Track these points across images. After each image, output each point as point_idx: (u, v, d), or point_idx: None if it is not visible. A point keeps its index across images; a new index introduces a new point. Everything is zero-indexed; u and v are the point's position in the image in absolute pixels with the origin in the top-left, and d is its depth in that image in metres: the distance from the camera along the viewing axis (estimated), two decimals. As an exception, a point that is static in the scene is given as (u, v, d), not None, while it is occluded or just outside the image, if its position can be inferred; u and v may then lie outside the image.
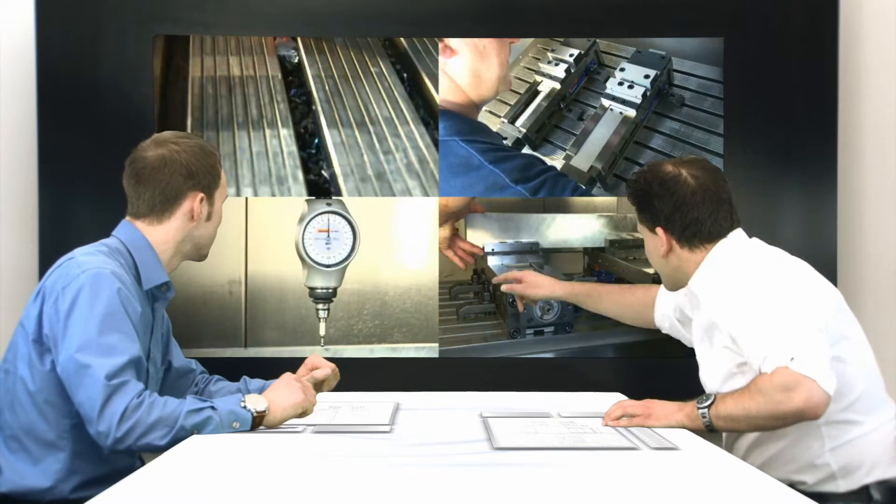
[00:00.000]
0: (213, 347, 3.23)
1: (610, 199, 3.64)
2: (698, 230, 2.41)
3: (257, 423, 2.25)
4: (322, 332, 3.30)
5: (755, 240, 2.47)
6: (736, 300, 2.31)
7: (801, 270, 2.40)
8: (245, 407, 2.24)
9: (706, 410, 2.26)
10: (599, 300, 2.96)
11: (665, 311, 2.79)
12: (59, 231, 3.43)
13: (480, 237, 3.65)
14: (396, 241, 3.38)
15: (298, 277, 3.32)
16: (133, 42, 3.47)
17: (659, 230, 2.44)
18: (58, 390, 2.26)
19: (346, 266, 3.29)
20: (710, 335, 2.44)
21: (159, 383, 2.51)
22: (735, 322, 2.30)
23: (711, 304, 2.39)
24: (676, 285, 2.54)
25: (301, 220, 3.38)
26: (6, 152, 3.60)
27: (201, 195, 2.43)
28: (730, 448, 2.47)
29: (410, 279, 3.33)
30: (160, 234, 2.42)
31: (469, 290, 3.70)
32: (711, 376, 2.46)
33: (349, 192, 3.31)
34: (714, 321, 2.39)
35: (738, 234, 2.45)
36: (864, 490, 2.33)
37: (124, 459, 2.34)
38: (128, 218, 2.45)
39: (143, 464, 2.30)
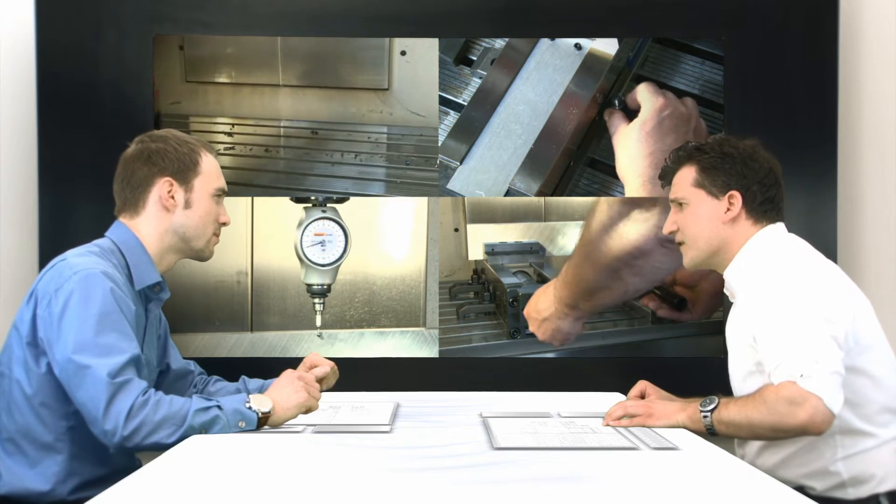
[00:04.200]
0: (223, 332, 3.59)
1: (610, 200, 3.63)
2: (772, 207, 2.44)
3: (262, 423, 2.25)
4: (318, 323, 3.62)
5: (793, 236, 2.45)
6: (761, 301, 2.30)
7: (832, 277, 2.35)
8: (250, 408, 2.23)
9: (709, 414, 2.25)
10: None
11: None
12: (59, 231, 3.43)
13: (480, 235, 3.67)
14: (384, 237, 3.69)
15: (298, 270, 3.63)
16: (133, 42, 3.48)
17: (735, 195, 2.41)
18: (54, 393, 2.25)
19: (339, 265, 3.61)
20: (740, 330, 2.42)
21: (153, 384, 2.49)
22: (757, 322, 2.29)
23: (744, 300, 2.38)
24: (704, 263, 2.48)
25: (299, 225, 3.61)
26: (6, 152, 3.60)
27: (168, 180, 2.40)
28: (741, 447, 2.46)
29: (396, 271, 3.65)
30: (142, 228, 2.40)
31: (469, 290, 3.70)
32: (734, 371, 2.45)
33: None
34: (744, 318, 2.38)
35: (781, 227, 2.45)
36: (874, 499, 2.31)
37: (123, 461, 2.33)
38: (117, 218, 2.45)
39: (141, 465, 2.29)
